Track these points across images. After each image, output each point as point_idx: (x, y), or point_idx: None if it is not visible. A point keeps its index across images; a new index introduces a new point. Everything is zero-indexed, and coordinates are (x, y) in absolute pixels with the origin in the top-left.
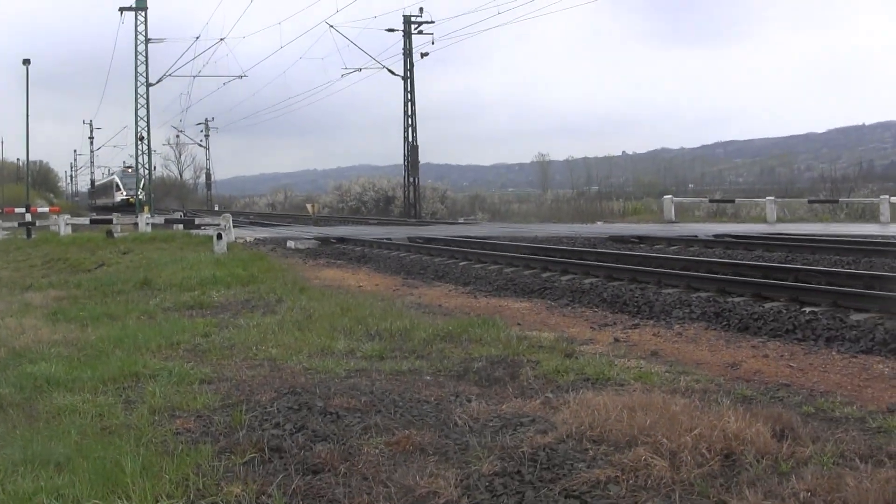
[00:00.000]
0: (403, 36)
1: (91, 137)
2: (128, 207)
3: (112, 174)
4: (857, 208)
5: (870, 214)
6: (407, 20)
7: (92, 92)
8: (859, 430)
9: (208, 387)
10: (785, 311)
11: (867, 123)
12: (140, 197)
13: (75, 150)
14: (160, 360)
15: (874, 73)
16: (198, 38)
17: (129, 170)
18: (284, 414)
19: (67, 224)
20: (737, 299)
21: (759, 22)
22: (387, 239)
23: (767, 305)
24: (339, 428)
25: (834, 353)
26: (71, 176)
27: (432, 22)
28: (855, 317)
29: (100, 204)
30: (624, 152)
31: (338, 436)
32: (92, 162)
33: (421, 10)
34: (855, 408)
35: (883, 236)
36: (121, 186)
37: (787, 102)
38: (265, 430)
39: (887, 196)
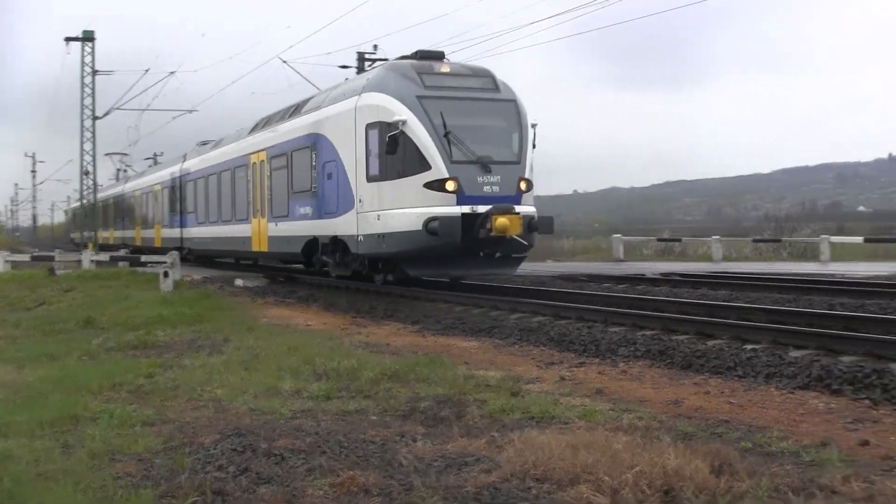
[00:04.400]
0: (357, 72)
1: (34, 171)
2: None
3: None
4: (799, 247)
5: (811, 253)
6: (360, 57)
7: (35, 124)
8: (794, 464)
9: (150, 429)
10: (727, 349)
11: (811, 165)
12: None
13: (16, 184)
14: (101, 402)
15: (819, 118)
16: (147, 70)
17: None
18: (228, 456)
19: (7, 261)
20: (681, 337)
21: (711, 67)
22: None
23: (710, 343)
24: (283, 470)
25: (773, 389)
26: (12, 210)
27: (386, 59)
28: (793, 353)
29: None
30: (575, 191)
31: (282, 478)
32: (34, 196)
33: (375, 46)
34: (790, 442)
35: (822, 274)
36: None
37: (735, 144)
38: (208, 472)
39: (827, 236)
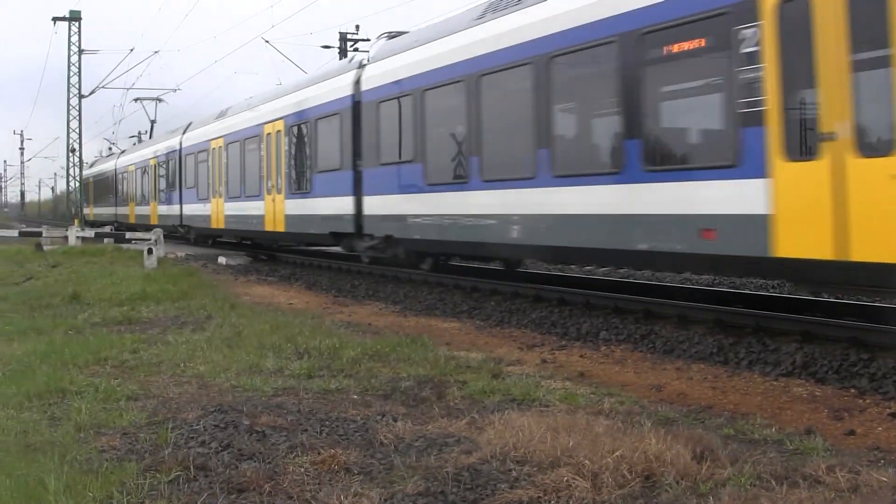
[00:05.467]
0: (339, 53)
1: (21, 148)
2: None
3: None
4: None
5: None
6: (343, 37)
7: (23, 102)
8: (777, 452)
9: (135, 404)
10: (710, 334)
11: None
12: None
13: (5, 161)
14: (87, 377)
15: None
16: (132, 50)
17: None
18: (211, 432)
19: None
20: (663, 322)
21: None
22: (321, 254)
23: (693, 328)
24: (265, 447)
25: (756, 375)
26: (0, 187)
27: (368, 40)
28: (777, 340)
29: None
30: None
31: (263, 454)
32: (22, 173)
33: (357, 27)
34: (774, 430)
35: None
36: None
37: None
38: (191, 448)
39: None
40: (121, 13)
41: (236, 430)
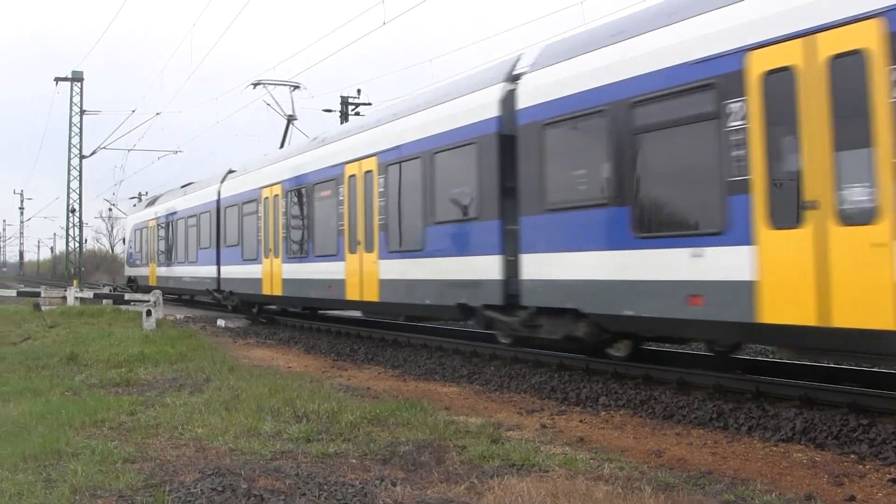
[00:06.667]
0: (340, 116)
1: (21, 208)
2: None
3: None
4: None
5: None
6: (344, 101)
7: (23, 162)
8: None
9: (132, 466)
10: (709, 400)
11: None
12: None
13: (4, 220)
14: (83, 438)
15: None
16: (134, 111)
17: None
18: (208, 496)
19: None
20: (663, 387)
21: None
22: (320, 318)
23: (692, 394)
24: None
25: (756, 440)
26: None
27: (369, 104)
28: (776, 405)
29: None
30: None
31: None
32: (21, 233)
33: (359, 91)
34: (774, 495)
35: None
36: None
37: None
38: None
39: None
40: (122, 74)
41: (234, 493)
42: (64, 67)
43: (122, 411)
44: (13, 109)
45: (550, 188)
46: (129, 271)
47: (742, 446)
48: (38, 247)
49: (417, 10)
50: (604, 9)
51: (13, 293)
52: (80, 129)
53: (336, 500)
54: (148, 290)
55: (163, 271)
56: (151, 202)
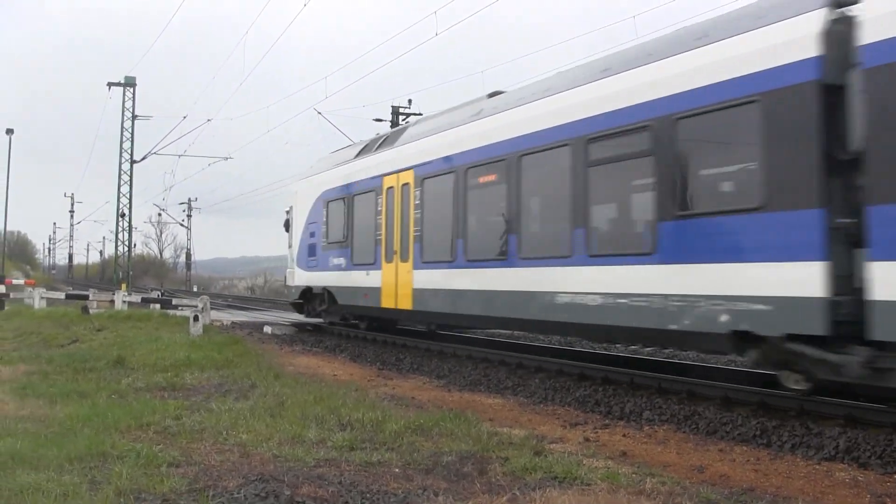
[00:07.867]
0: (391, 125)
1: (72, 211)
2: None
3: None
4: None
5: None
6: (395, 111)
7: (75, 165)
8: None
9: (176, 470)
10: (753, 416)
11: None
12: None
13: (55, 223)
14: (129, 441)
15: None
16: (185, 117)
17: None
18: (251, 501)
19: (42, 297)
20: (707, 403)
21: None
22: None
23: (736, 410)
24: None
25: (798, 458)
26: (49, 248)
27: (420, 114)
28: (820, 424)
29: None
30: None
31: None
32: (71, 236)
33: (409, 101)
34: None
35: None
36: None
37: None
38: None
39: None
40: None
41: (277, 499)
42: (117, 72)
43: (167, 415)
44: (66, 113)
45: None
46: (305, 276)
47: (785, 464)
48: (88, 250)
49: (468, 22)
50: (656, 23)
51: (62, 296)
52: (132, 133)
53: None
54: (373, 318)
55: (437, 278)
56: (381, 143)
